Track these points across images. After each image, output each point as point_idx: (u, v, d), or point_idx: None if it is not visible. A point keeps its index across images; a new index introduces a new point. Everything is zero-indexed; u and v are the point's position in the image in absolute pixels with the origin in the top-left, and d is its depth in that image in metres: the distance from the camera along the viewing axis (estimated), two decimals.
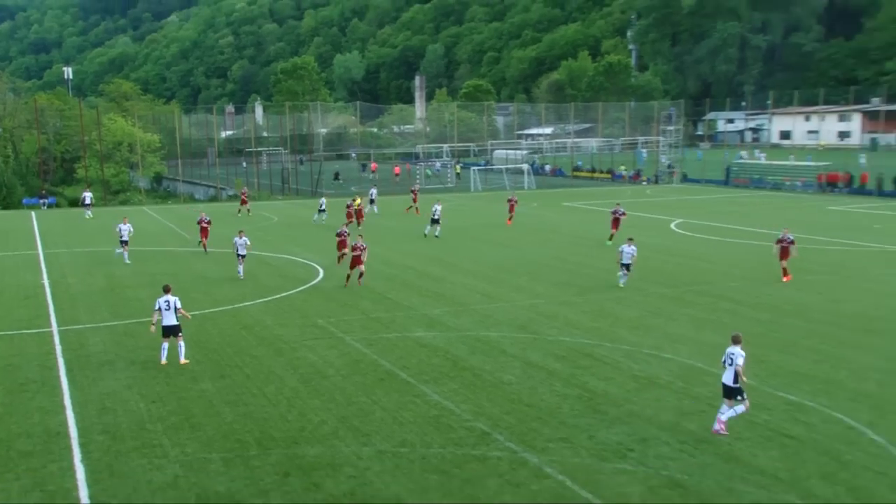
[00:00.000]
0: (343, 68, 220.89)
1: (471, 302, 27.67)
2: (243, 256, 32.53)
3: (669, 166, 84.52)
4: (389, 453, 15.31)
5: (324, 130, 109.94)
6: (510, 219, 49.11)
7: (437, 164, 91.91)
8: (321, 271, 33.62)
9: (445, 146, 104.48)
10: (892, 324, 23.90)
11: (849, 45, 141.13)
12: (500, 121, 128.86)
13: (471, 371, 20.15)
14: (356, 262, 30.15)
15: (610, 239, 39.59)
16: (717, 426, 15.77)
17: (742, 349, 15.90)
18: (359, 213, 47.55)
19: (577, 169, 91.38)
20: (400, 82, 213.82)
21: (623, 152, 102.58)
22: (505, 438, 15.88)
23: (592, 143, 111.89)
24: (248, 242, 33.11)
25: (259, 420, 17.08)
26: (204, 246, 39.07)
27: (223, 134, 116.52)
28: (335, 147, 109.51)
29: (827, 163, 72.97)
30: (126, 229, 36.87)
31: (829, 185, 66.67)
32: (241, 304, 27.87)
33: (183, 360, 20.68)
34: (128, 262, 36.27)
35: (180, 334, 20.80)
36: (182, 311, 20.74)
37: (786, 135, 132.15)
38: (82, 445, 15.70)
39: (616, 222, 40.29)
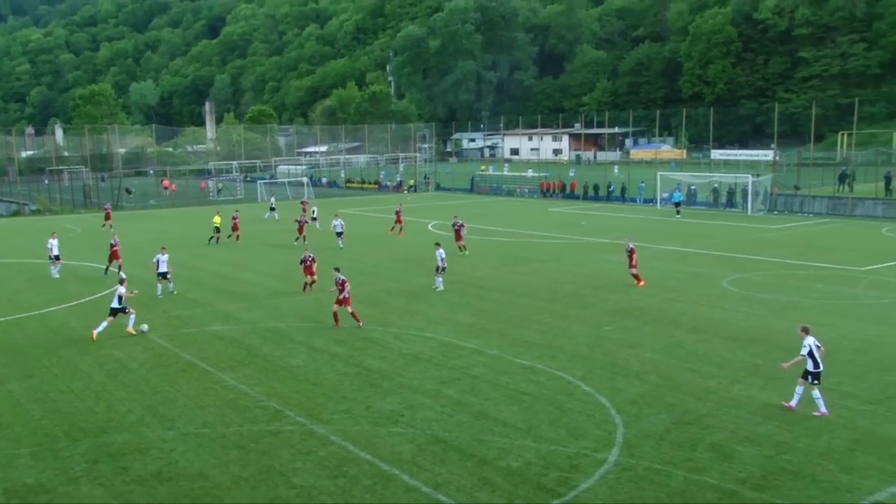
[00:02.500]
0: (139, 95, 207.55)
1: (262, 297, 26.89)
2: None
3: (426, 177, 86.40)
4: (193, 434, 14.56)
5: (122, 150, 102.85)
6: (400, 230, 43.13)
7: (230, 177, 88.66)
8: (124, 276, 31.32)
9: (234, 163, 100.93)
10: (598, 299, 25.72)
11: (556, 82, 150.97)
12: (282, 140, 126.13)
13: (263, 358, 19.59)
14: (308, 271, 27.24)
15: (461, 250, 35.51)
16: (821, 410, 15.00)
17: (811, 338, 15.18)
18: (300, 228, 40.68)
19: (349, 181, 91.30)
20: (192, 107, 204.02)
21: (387, 166, 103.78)
22: (295, 414, 15.56)
23: (361, 158, 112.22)
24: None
25: (67, 414, 15.68)
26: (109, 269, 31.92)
27: (23, 153, 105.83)
28: (134, 165, 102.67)
29: (546, 174, 77.52)
30: (54, 244, 32.11)
31: (549, 191, 70.81)
32: (46, 310, 25.48)
33: None
34: (57, 276, 31.48)
35: None
36: None
37: (515, 151, 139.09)
38: None
39: (458, 234, 35.92)
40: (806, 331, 15.39)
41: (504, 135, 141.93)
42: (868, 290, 26.41)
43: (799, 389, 15.24)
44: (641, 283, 27.59)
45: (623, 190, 64.33)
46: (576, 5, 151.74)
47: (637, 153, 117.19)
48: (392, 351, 19.97)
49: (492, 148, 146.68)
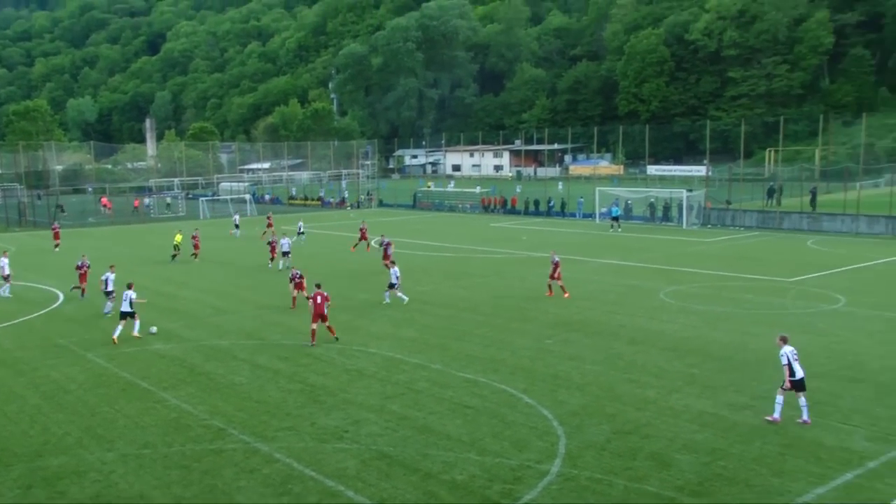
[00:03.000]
0: (76, 111, 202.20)
1: (203, 315, 26.37)
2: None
3: (368, 193, 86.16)
4: (133, 455, 14.16)
5: (59, 167, 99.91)
6: (367, 246, 42.73)
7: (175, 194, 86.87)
8: (61, 296, 30.45)
9: (176, 180, 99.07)
10: (539, 313, 25.95)
11: (496, 99, 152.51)
12: (224, 157, 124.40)
13: (206, 376, 19.19)
14: (299, 287, 27.23)
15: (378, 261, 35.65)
16: (805, 416, 15.14)
17: (789, 348, 15.37)
18: (272, 249, 37.93)
19: (292, 197, 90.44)
20: (132, 124, 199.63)
21: (330, 183, 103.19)
22: (238, 432, 15.28)
23: (304, 175, 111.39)
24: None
25: None
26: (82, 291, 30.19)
27: None
28: (72, 182, 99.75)
29: (487, 189, 78.09)
30: (5, 263, 30.80)
31: (490, 207, 71.33)
32: None
33: None
34: (9, 295, 30.22)
35: None
36: None
37: (457, 167, 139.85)
38: None
39: (385, 253, 34.77)
40: (784, 340, 15.63)
41: (446, 151, 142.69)
42: (795, 300, 27.29)
43: (779, 399, 15.38)
44: (566, 294, 28.28)
45: (563, 205, 65.21)
46: (515, 25, 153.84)
47: (576, 169, 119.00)
48: (336, 367, 19.78)
49: (434, 164, 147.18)
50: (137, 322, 22.86)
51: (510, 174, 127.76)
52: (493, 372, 19.03)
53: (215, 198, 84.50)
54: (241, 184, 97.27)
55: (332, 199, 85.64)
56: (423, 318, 25.27)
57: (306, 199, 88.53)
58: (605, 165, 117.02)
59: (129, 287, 23.06)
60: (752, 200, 58.98)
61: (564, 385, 17.94)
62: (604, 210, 60.01)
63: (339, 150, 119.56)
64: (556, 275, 28.43)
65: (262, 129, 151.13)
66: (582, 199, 64.32)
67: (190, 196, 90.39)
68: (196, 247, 40.81)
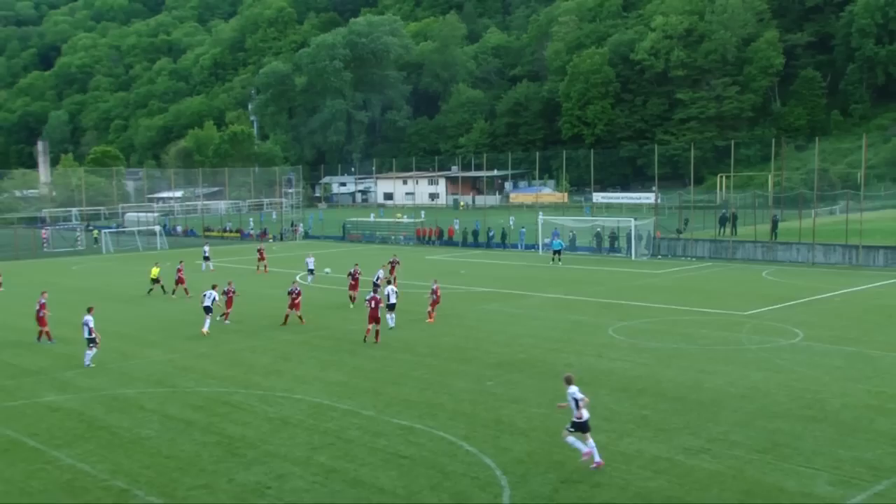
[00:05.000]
0: None
1: (106, 361, 25.55)
2: None
3: (293, 224, 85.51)
4: None
5: None
6: (264, 267, 50.11)
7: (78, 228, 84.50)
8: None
9: (74, 210, 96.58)
10: (479, 352, 26.00)
11: (431, 122, 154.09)
12: (130, 185, 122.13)
13: (107, 430, 18.55)
14: (293, 305, 30.77)
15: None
16: (597, 459, 15.53)
17: (574, 387, 15.78)
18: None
19: (207, 229, 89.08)
20: (21, 147, 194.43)
21: (250, 212, 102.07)
22: (145, 493, 14.78)
23: (221, 204, 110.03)
24: None
25: None
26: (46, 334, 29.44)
27: None
28: None
29: (422, 219, 78.39)
30: None
31: (426, 238, 71.52)
32: None
33: None
34: None
35: None
36: None
37: (389, 196, 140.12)
38: None
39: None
40: (568, 381, 16.04)
41: (377, 178, 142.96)
42: (751, 334, 28.02)
43: (590, 442, 15.63)
44: (431, 319, 31.15)
45: (504, 235, 65.84)
46: (450, 43, 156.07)
47: (517, 197, 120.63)
48: (257, 415, 19.40)
49: (364, 192, 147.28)
50: (208, 320, 26.00)
51: (446, 203, 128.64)
52: (431, 418, 18.93)
53: (120, 230, 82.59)
54: (150, 214, 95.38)
55: (252, 231, 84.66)
56: (354, 360, 25.05)
57: (224, 230, 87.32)
58: (548, 193, 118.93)
59: (214, 287, 27.66)
60: (704, 229, 60.61)
61: (508, 430, 17.95)
62: (547, 241, 60.82)
63: (261, 177, 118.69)
64: (432, 301, 31.32)
65: (174, 153, 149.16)
66: (524, 229, 65.08)
67: (90, 228, 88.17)
68: (180, 280, 39.97)
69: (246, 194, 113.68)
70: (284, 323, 31.16)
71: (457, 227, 71.13)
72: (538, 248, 59.87)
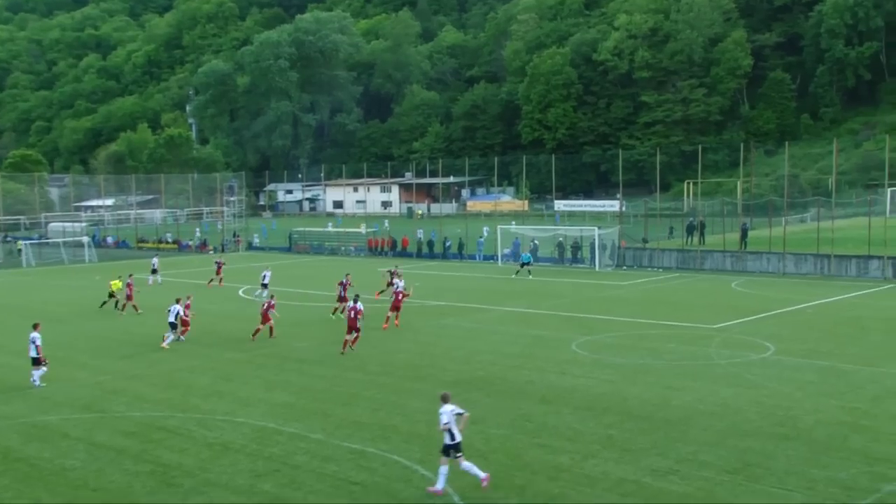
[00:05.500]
0: None
1: (25, 384, 24.95)
2: None
3: (235, 234, 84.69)
4: None
5: None
6: (219, 280, 49.94)
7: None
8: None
9: None
10: (435, 370, 25.98)
11: (384, 126, 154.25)
12: (54, 192, 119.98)
13: (26, 461, 18.09)
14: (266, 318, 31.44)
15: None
16: (439, 486, 15.43)
17: (450, 406, 15.67)
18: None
19: (142, 240, 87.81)
20: None
21: (189, 222, 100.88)
22: None
23: (157, 214, 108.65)
24: None
25: None
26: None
27: None
28: None
29: (374, 229, 78.26)
30: None
31: (378, 249, 71.31)
32: None
33: None
34: None
35: None
36: None
37: (338, 204, 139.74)
38: None
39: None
40: (445, 399, 16.00)
41: (326, 185, 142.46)
42: (721, 349, 28.42)
43: (443, 469, 15.57)
44: (391, 323, 33.07)
45: (461, 246, 65.96)
46: (403, 41, 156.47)
47: (475, 205, 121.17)
48: (195, 441, 19.11)
49: (312, 201, 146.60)
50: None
51: (400, 211, 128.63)
52: (384, 441, 18.85)
53: (43, 241, 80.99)
54: (77, 224, 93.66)
55: (190, 242, 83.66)
56: (301, 380, 24.85)
57: (160, 241, 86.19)
58: (507, 200, 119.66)
59: (178, 301, 28.94)
60: (671, 238, 61.41)
61: (466, 453, 17.86)
62: (507, 251, 61.05)
63: (200, 184, 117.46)
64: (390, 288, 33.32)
65: (104, 158, 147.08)
66: (482, 239, 65.27)
67: (8, 239, 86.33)
68: (129, 297, 39.18)
69: (184, 203, 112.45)
70: (253, 338, 31.28)
71: (420, 236, 70.91)
72: (497, 259, 60.08)
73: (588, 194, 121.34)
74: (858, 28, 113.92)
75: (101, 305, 40.84)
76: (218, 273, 50.29)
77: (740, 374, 24.61)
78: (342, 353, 28.22)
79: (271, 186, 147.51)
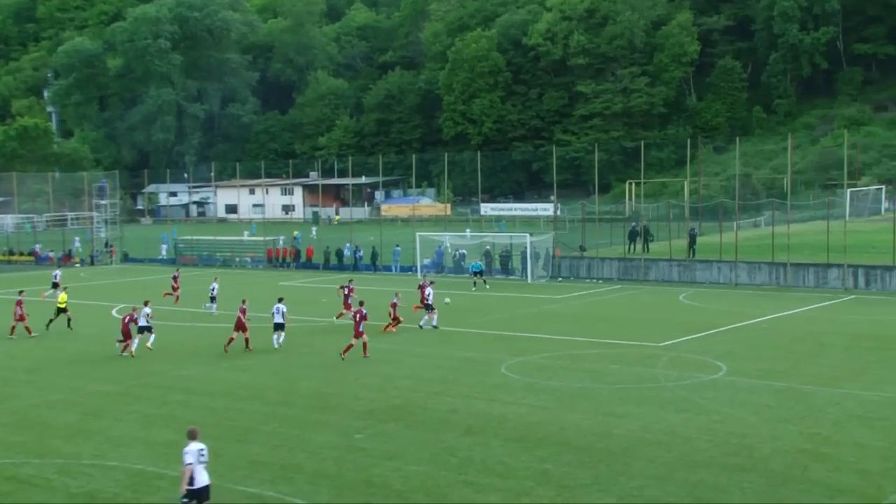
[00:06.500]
0: None
1: None
2: None
3: (107, 244, 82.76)
4: None
5: None
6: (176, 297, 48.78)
7: None
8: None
9: None
10: (346, 398, 25.78)
11: (284, 118, 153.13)
12: None
13: None
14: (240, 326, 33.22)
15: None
16: None
17: (197, 445, 15.43)
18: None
19: None
20: None
21: (49, 230, 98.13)
22: None
23: (8, 220, 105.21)
24: None
25: None
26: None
27: None
28: None
29: (276, 237, 77.42)
30: None
31: (279, 260, 70.56)
32: None
33: None
34: None
35: None
36: None
37: (232, 208, 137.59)
38: None
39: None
40: (192, 435, 15.78)
41: (216, 187, 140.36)
42: (668, 369, 28.92)
43: None
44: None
45: (374, 256, 65.75)
46: (306, 21, 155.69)
47: (390, 209, 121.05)
48: (55, 492, 18.53)
49: (201, 204, 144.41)
50: (152, 336, 29.06)
51: (304, 216, 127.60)
52: (286, 482, 18.63)
53: None
54: None
55: (51, 253, 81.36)
56: (188, 414, 24.35)
57: (12, 253, 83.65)
58: (427, 204, 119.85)
59: (146, 304, 31.82)
60: (612, 246, 62.30)
61: (381, 493, 17.82)
62: (427, 262, 61.12)
63: (63, 184, 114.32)
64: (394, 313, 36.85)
65: None
66: (399, 248, 65.21)
67: None
68: (21, 317, 37.81)
69: (43, 206, 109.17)
70: (226, 348, 33.05)
71: (348, 249, 69.99)
72: (416, 271, 60.08)
73: (518, 196, 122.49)
74: (814, 11, 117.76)
75: (48, 325, 39.06)
76: (175, 288, 49.32)
77: (690, 397, 25.07)
78: (342, 358, 30.89)
79: (151, 188, 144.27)
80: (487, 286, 52.27)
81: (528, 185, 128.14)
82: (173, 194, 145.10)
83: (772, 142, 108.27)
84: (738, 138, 76.77)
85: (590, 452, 20.25)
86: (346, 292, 40.89)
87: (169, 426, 23.18)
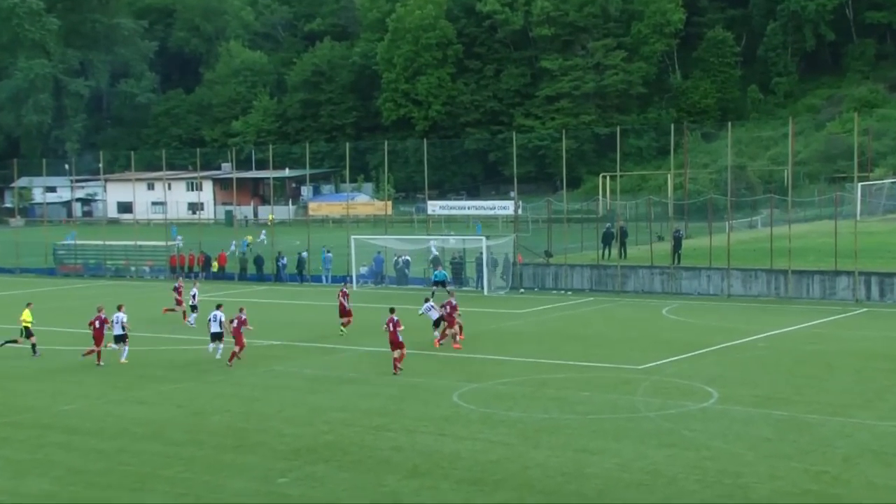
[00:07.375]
0: None
1: None
2: None
3: None
4: None
5: None
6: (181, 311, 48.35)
7: None
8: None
9: None
10: (266, 436, 25.54)
11: (190, 98, 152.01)
12: None
13: None
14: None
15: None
16: None
17: None
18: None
19: None
20: None
21: None
22: None
23: None
24: None
25: None
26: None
27: None
28: None
29: (180, 241, 76.67)
30: None
31: (185, 269, 69.85)
32: None
33: None
34: None
35: None
36: None
37: (126, 207, 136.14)
38: None
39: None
40: None
41: (106, 180, 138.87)
42: (649, 397, 29.07)
43: None
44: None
45: (301, 264, 65.37)
46: None
47: (319, 207, 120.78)
48: None
49: (87, 201, 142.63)
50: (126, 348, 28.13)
51: (216, 216, 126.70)
52: None
53: None
54: None
55: None
56: (69, 458, 24.04)
57: None
58: (363, 201, 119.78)
59: (120, 308, 34.18)
60: (583, 251, 62.52)
61: None
62: (363, 270, 60.90)
63: None
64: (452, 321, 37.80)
65: None
66: (330, 254, 64.91)
67: None
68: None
69: None
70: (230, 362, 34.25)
71: (284, 261, 69.52)
72: (352, 282, 59.83)
73: (473, 193, 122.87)
74: None
75: (4, 344, 38.96)
76: (179, 303, 47.73)
77: (675, 430, 25.21)
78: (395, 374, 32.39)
79: (23, 181, 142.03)
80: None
81: (484, 180, 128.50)
82: (51, 189, 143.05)
83: (770, 127, 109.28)
84: (730, 123, 77.59)
85: (558, 496, 20.28)
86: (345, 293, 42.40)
87: (46, 474, 22.79)
